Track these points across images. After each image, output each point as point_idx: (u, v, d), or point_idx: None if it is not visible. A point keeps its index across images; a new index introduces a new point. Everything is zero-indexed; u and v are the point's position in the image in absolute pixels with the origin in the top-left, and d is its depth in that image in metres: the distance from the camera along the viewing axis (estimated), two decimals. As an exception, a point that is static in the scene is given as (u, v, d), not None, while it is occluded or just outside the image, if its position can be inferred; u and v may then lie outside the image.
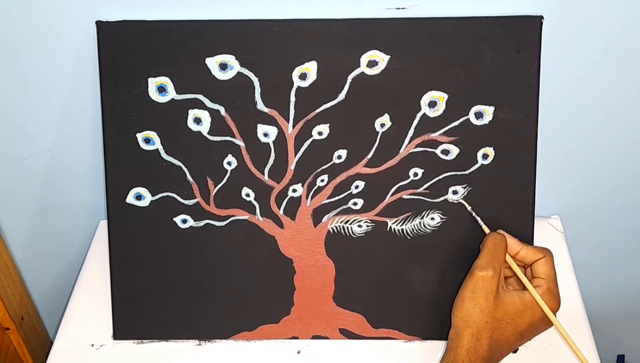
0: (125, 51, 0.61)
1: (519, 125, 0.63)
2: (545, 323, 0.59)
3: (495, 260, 0.58)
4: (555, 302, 0.59)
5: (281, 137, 0.63)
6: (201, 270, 0.66)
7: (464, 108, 0.62)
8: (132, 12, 0.60)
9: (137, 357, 0.66)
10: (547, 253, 0.60)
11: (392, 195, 0.65)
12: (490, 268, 0.58)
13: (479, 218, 0.64)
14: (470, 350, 0.57)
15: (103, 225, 0.79)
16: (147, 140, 0.63)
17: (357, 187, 0.65)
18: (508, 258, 0.60)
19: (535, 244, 0.66)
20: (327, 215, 0.65)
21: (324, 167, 0.64)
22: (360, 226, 0.66)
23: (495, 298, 0.57)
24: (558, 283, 0.60)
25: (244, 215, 0.65)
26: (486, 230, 0.63)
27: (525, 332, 0.59)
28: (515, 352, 0.64)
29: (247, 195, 0.65)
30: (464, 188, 0.64)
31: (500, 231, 0.62)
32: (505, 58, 0.61)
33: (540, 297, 0.58)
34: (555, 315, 0.59)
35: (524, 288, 0.59)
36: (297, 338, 0.67)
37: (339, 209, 0.65)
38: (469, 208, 0.64)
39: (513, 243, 0.61)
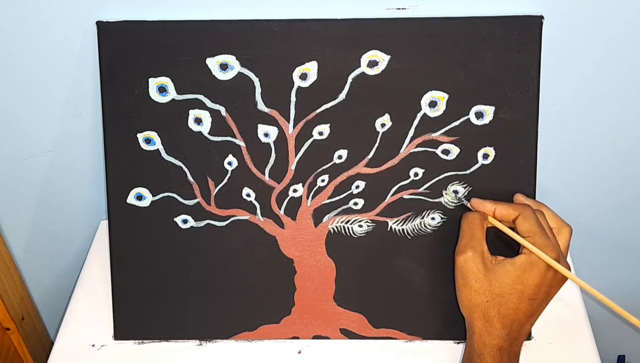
0: (125, 51, 0.61)
1: (519, 125, 0.63)
2: (552, 277, 0.57)
3: (472, 240, 0.58)
4: (551, 252, 0.56)
5: (282, 137, 0.63)
6: (202, 270, 0.66)
7: (464, 108, 0.62)
8: (132, 13, 0.60)
9: (138, 357, 0.66)
10: (522, 209, 0.58)
11: (393, 195, 0.65)
12: (469, 249, 0.57)
13: (466, 202, 0.63)
14: (483, 333, 0.57)
15: (104, 225, 0.79)
16: (148, 141, 0.63)
17: (357, 187, 0.65)
18: (494, 221, 0.59)
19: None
20: (327, 215, 0.65)
21: (324, 167, 0.64)
22: (360, 226, 0.66)
23: (486, 275, 0.57)
24: (548, 235, 0.57)
25: (245, 215, 0.65)
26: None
27: (533, 295, 0.56)
28: (528, 338, 0.64)
29: (248, 195, 0.65)
30: (465, 188, 0.64)
31: (474, 200, 0.61)
32: (506, 58, 0.61)
33: (534, 247, 0.56)
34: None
35: (514, 253, 0.58)
36: (297, 338, 0.68)
37: (339, 209, 0.65)
38: (460, 194, 0.63)
39: (487, 206, 0.60)
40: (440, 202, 0.65)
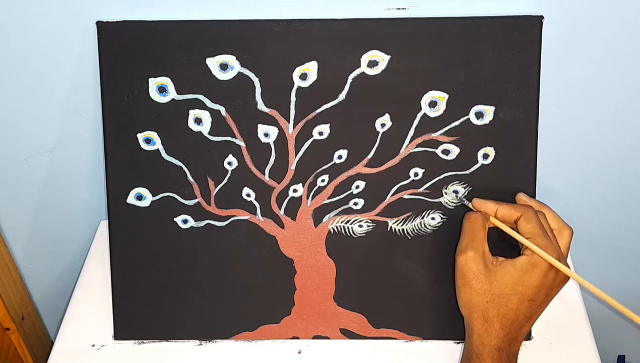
0: (125, 51, 0.61)
1: (519, 124, 0.63)
2: (553, 279, 0.57)
3: (473, 240, 0.58)
4: (552, 254, 0.56)
5: (282, 137, 0.63)
6: (202, 270, 0.66)
7: (464, 108, 0.62)
8: (132, 13, 0.60)
9: (138, 357, 0.66)
10: (525, 210, 0.58)
11: (393, 195, 0.65)
12: (470, 249, 0.57)
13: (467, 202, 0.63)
14: (482, 333, 0.57)
15: (104, 225, 0.79)
16: (148, 141, 0.63)
17: (357, 187, 0.65)
18: (496, 221, 0.59)
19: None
20: (327, 215, 0.65)
21: (324, 167, 0.64)
22: (360, 226, 0.66)
23: (487, 275, 0.57)
24: (550, 236, 0.57)
25: (245, 215, 0.65)
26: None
27: (533, 296, 0.56)
28: (528, 338, 0.64)
29: (248, 195, 0.65)
30: (465, 188, 0.64)
31: (476, 200, 0.61)
32: (506, 58, 0.61)
33: (537, 247, 0.56)
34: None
35: (515, 254, 0.58)
36: (297, 338, 0.68)
37: (339, 209, 0.65)
38: (461, 194, 0.64)
39: (489, 206, 0.60)
40: (440, 202, 0.65)
